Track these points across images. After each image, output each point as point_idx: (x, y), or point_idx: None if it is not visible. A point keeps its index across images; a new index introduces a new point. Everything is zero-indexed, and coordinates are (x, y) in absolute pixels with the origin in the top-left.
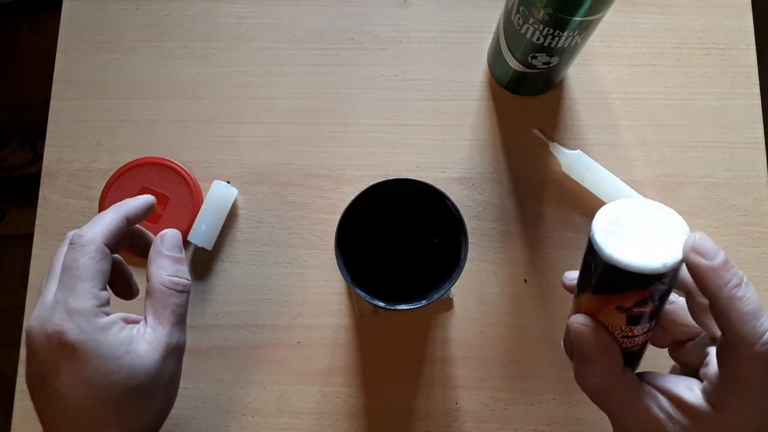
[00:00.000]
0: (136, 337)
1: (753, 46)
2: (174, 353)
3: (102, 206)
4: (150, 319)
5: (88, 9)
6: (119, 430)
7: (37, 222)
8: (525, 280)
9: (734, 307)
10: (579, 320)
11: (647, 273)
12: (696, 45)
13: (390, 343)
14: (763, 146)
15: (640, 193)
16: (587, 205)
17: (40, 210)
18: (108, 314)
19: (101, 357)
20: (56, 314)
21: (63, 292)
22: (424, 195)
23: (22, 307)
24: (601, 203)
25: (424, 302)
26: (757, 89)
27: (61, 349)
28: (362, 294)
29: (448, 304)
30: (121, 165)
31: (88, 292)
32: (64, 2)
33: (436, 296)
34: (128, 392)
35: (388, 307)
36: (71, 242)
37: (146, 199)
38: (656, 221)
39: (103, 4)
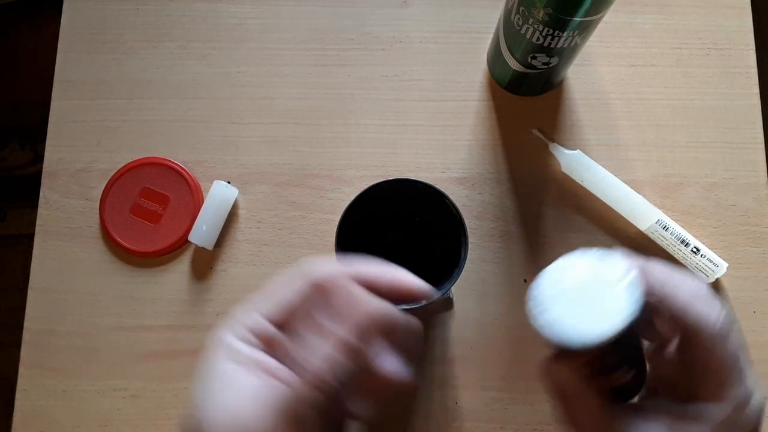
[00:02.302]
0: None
1: (753, 47)
2: (298, 415)
3: (102, 206)
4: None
5: (88, 9)
6: None
7: (38, 222)
8: (525, 280)
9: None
10: (544, 365)
11: (586, 344)
12: (696, 45)
13: None
14: (763, 146)
15: (640, 194)
16: (587, 205)
17: (41, 210)
18: (255, 344)
19: (206, 379)
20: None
21: (244, 307)
22: (424, 195)
23: (22, 308)
24: (601, 203)
25: (423, 302)
26: (756, 89)
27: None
28: None
29: (448, 303)
30: (122, 165)
31: (257, 311)
32: (64, 2)
33: (435, 296)
34: None
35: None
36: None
37: (417, 283)
38: (595, 280)
39: (103, 4)
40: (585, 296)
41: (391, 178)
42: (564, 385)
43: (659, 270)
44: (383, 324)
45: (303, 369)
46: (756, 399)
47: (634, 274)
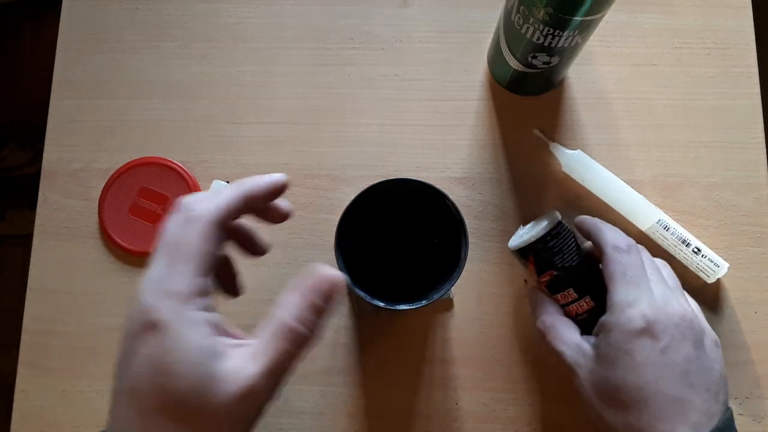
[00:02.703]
0: (225, 353)
1: (753, 46)
2: (257, 402)
3: (102, 206)
4: (253, 348)
5: (88, 9)
6: None
7: (37, 222)
8: (525, 280)
9: (599, 229)
10: (527, 290)
11: (520, 246)
12: (696, 45)
13: (390, 343)
14: (764, 146)
15: (640, 194)
16: (587, 205)
17: (40, 210)
18: (206, 309)
19: (177, 353)
20: (152, 289)
21: (162, 269)
22: (424, 195)
23: (22, 307)
24: (602, 203)
25: (424, 302)
26: (757, 89)
27: (148, 327)
28: (362, 294)
29: (448, 304)
30: (121, 165)
31: (186, 275)
32: (64, 2)
33: (436, 296)
34: (185, 411)
35: (388, 307)
36: (180, 212)
37: (274, 178)
38: (535, 225)
39: (103, 4)
40: (527, 230)
41: (391, 178)
42: (534, 296)
43: (590, 220)
44: (246, 193)
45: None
46: (637, 308)
47: (553, 218)
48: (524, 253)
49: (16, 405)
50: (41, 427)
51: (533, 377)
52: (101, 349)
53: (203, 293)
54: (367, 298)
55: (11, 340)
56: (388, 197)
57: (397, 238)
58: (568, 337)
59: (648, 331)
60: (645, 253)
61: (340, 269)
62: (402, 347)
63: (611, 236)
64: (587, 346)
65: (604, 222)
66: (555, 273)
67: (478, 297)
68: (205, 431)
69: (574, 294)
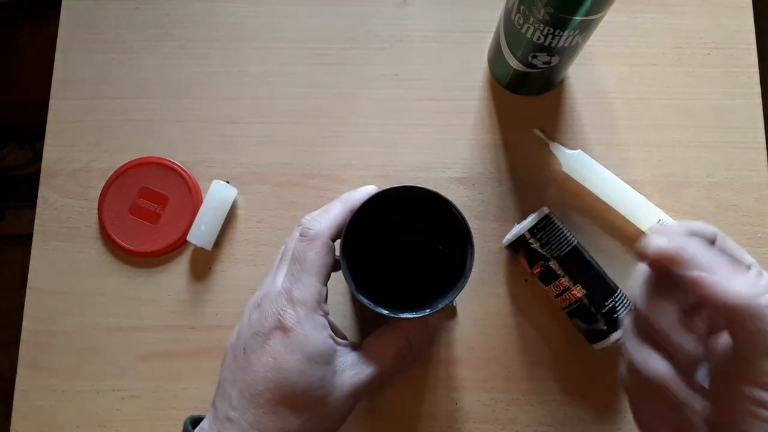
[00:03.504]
0: (340, 355)
1: (754, 46)
2: (359, 400)
3: (101, 206)
4: (366, 354)
5: (88, 9)
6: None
7: (36, 222)
8: (525, 280)
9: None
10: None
11: (510, 241)
12: (697, 45)
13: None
14: (764, 146)
15: (641, 194)
16: (588, 205)
17: (39, 210)
18: (325, 313)
19: (302, 354)
20: (281, 298)
21: (290, 281)
22: (430, 202)
23: (22, 307)
24: (602, 203)
25: (427, 311)
26: (758, 89)
27: (276, 330)
28: (366, 302)
29: (452, 312)
30: (121, 165)
31: (312, 285)
32: (63, 2)
33: (440, 305)
34: (301, 403)
35: (392, 315)
36: (301, 234)
37: (370, 191)
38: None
39: (102, 3)
40: (518, 227)
41: (397, 185)
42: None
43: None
44: (351, 208)
45: None
46: None
47: (541, 212)
48: (515, 247)
49: (16, 405)
50: (41, 427)
51: (534, 378)
52: (101, 349)
53: (323, 300)
54: (371, 305)
55: (11, 340)
56: (394, 204)
57: (403, 246)
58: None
59: None
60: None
61: (345, 275)
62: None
63: (748, 294)
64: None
65: (713, 258)
66: (545, 264)
67: (478, 297)
68: (317, 420)
69: (566, 284)
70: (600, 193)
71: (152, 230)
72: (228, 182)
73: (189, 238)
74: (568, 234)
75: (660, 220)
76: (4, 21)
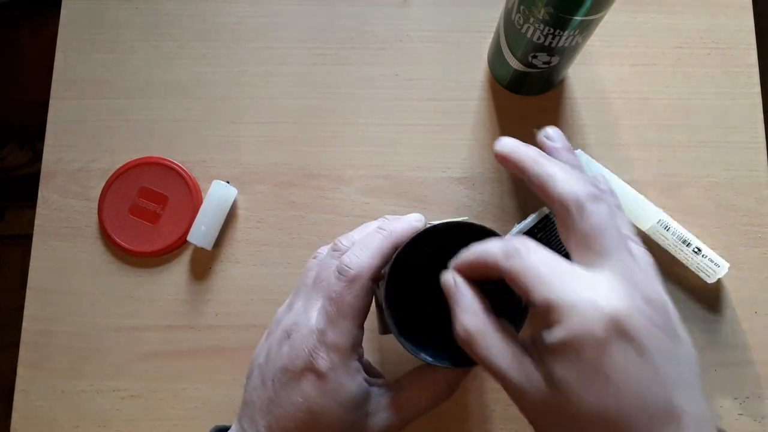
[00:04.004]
0: (372, 397)
1: (754, 46)
2: None
3: (101, 206)
4: (397, 398)
5: (88, 9)
6: None
7: (36, 222)
8: None
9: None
10: None
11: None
12: (697, 45)
13: (390, 343)
14: (764, 146)
15: (641, 193)
16: None
17: (39, 210)
18: (360, 356)
19: (335, 400)
20: (314, 338)
21: (325, 322)
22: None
23: (22, 307)
24: None
25: (476, 365)
26: (758, 89)
27: (309, 372)
28: (409, 348)
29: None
30: (121, 165)
31: (348, 331)
32: (63, 2)
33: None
34: None
35: (436, 364)
36: (339, 272)
37: (419, 224)
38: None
39: (102, 3)
40: (518, 227)
41: (448, 221)
42: (453, 290)
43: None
44: (395, 243)
45: None
46: (603, 303)
47: (541, 212)
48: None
49: (16, 405)
50: (41, 427)
51: None
52: (101, 349)
53: (359, 344)
54: (414, 351)
55: (11, 340)
56: (441, 238)
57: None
58: (504, 350)
59: (620, 332)
60: (608, 194)
61: (388, 319)
62: (402, 347)
63: (568, 184)
64: (530, 367)
65: (539, 154)
66: None
67: None
68: None
69: None
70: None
71: (152, 230)
72: (228, 182)
73: (189, 238)
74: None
75: (660, 220)
76: (4, 21)
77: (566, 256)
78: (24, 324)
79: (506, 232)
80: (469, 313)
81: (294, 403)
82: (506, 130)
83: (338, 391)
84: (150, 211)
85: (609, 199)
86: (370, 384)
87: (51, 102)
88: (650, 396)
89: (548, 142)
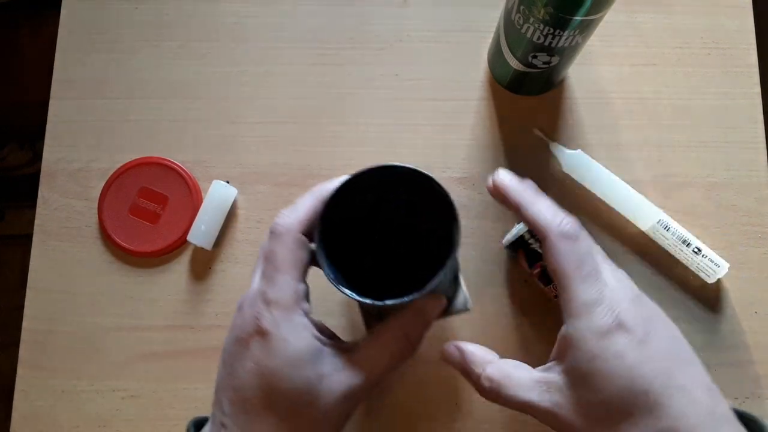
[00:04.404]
0: (327, 356)
1: (754, 46)
2: (355, 404)
3: (101, 206)
4: (358, 355)
5: (88, 9)
6: None
7: (36, 222)
8: (525, 280)
9: (534, 203)
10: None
11: (510, 242)
12: (696, 45)
13: None
14: (764, 146)
15: (641, 193)
16: (588, 205)
17: (39, 210)
18: (306, 312)
19: (282, 358)
20: (258, 301)
21: (263, 282)
22: (409, 181)
23: (21, 307)
24: (602, 203)
25: (415, 295)
26: (758, 89)
27: (256, 334)
28: (347, 293)
29: (463, 303)
30: (121, 165)
31: (286, 284)
32: (63, 2)
33: (428, 287)
34: (288, 408)
35: (377, 303)
36: (270, 231)
37: (343, 179)
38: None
39: (102, 3)
40: (518, 227)
41: (370, 166)
42: (456, 352)
43: (516, 185)
44: (322, 199)
45: None
46: (604, 305)
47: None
48: (515, 247)
49: (16, 405)
50: (41, 427)
51: None
52: (101, 349)
53: (301, 298)
54: (353, 295)
55: (11, 340)
56: (371, 189)
57: (387, 232)
58: (526, 380)
59: (621, 325)
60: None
61: (323, 267)
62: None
63: (552, 217)
64: (554, 376)
65: (528, 187)
66: (544, 264)
67: (477, 297)
68: (309, 426)
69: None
70: (600, 193)
71: (152, 230)
72: (228, 182)
73: (189, 238)
74: None
75: (660, 220)
76: (4, 21)
77: None
78: (24, 324)
79: (507, 231)
80: (488, 363)
81: (247, 370)
82: (506, 130)
83: (284, 349)
84: (150, 211)
85: (583, 232)
86: (323, 343)
87: (51, 102)
88: (658, 373)
89: (514, 185)
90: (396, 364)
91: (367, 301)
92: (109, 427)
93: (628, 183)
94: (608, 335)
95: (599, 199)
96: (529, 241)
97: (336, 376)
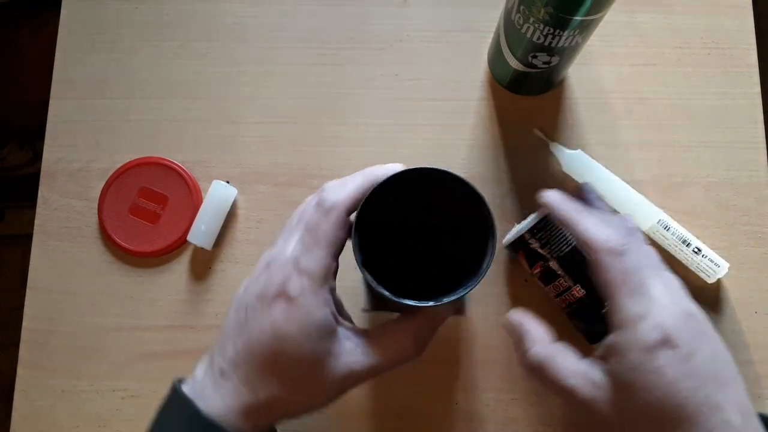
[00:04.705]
0: (341, 336)
1: (754, 46)
2: (354, 385)
3: (101, 206)
4: (368, 343)
5: (88, 9)
6: (267, 398)
7: (36, 222)
8: (525, 280)
9: (580, 221)
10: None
11: (510, 242)
12: (697, 45)
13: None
14: (764, 146)
15: (641, 193)
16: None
17: (39, 210)
18: (332, 288)
19: (299, 326)
20: (289, 266)
21: (301, 249)
22: (459, 190)
23: (21, 307)
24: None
25: (431, 303)
26: (758, 89)
27: (280, 297)
28: (369, 279)
29: (460, 308)
30: (121, 165)
31: (322, 258)
32: (63, 2)
33: (445, 300)
34: (290, 373)
35: (393, 298)
36: (318, 203)
37: (397, 168)
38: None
39: (102, 3)
40: (518, 227)
41: (426, 166)
42: (514, 324)
43: (562, 203)
44: (372, 182)
45: None
46: (651, 320)
47: (541, 212)
48: (515, 247)
49: (16, 405)
50: (41, 427)
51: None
52: (101, 349)
53: (330, 275)
54: (374, 283)
55: (11, 340)
56: (418, 186)
57: (421, 232)
58: (573, 368)
59: (667, 341)
60: (637, 238)
61: (354, 249)
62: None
63: (599, 234)
64: (598, 373)
65: (579, 208)
66: (544, 264)
67: (478, 297)
68: (303, 394)
69: (565, 284)
70: (600, 193)
71: (152, 230)
72: (228, 182)
73: (189, 238)
74: (568, 234)
75: (660, 220)
76: (4, 21)
77: (564, 255)
78: (24, 324)
79: (507, 231)
80: (539, 342)
81: (262, 328)
82: (506, 130)
83: (304, 318)
84: (150, 211)
85: (637, 238)
86: (338, 322)
87: (51, 102)
88: (701, 392)
89: (553, 204)
90: (400, 363)
91: (385, 293)
92: (109, 427)
93: (627, 183)
94: (653, 350)
95: None
96: (529, 241)
97: (343, 358)
